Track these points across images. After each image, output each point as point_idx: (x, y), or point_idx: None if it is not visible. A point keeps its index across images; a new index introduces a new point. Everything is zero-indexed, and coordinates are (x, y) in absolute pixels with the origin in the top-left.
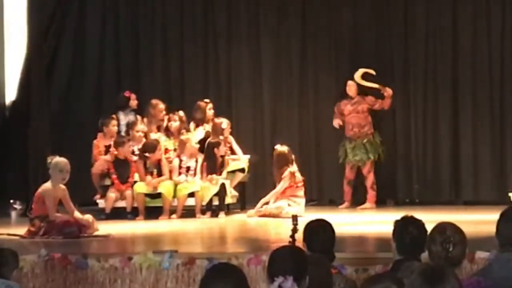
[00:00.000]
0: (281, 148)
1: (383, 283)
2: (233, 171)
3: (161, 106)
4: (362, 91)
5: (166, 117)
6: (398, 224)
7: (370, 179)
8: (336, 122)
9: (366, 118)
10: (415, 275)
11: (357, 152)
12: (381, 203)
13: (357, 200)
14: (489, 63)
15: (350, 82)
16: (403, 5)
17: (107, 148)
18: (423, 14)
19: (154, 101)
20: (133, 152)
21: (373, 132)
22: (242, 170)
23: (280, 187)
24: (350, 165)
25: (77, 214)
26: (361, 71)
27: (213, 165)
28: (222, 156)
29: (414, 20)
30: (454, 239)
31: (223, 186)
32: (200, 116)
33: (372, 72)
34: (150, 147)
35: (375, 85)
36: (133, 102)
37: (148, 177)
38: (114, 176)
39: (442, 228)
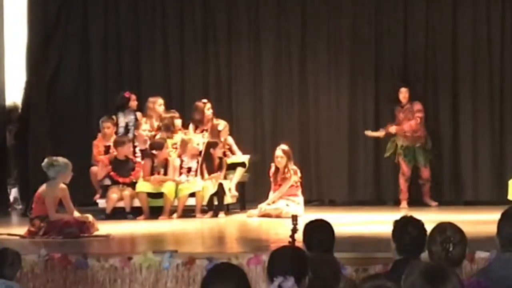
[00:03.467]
0: (285, 146)
1: (379, 280)
2: (234, 167)
3: (160, 101)
4: (414, 97)
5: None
6: (398, 224)
7: (428, 184)
8: (394, 129)
9: (417, 123)
10: (417, 275)
11: (407, 153)
12: (381, 203)
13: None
14: (489, 63)
15: (402, 89)
16: (403, 4)
17: (107, 149)
18: (423, 13)
19: (152, 98)
20: (135, 153)
21: (426, 136)
22: (243, 164)
23: (287, 186)
24: (406, 162)
25: (76, 214)
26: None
27: (210, 166)
28: (220, 158)
29: (414, 19)
30: (454, 239)
31: (221, 186)
32: (198, 116)
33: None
34: (157, 145)
35: (381, 134)
36: (133, 103)
37: (155, 176)
38: (113, 173)
39: (442, 228)
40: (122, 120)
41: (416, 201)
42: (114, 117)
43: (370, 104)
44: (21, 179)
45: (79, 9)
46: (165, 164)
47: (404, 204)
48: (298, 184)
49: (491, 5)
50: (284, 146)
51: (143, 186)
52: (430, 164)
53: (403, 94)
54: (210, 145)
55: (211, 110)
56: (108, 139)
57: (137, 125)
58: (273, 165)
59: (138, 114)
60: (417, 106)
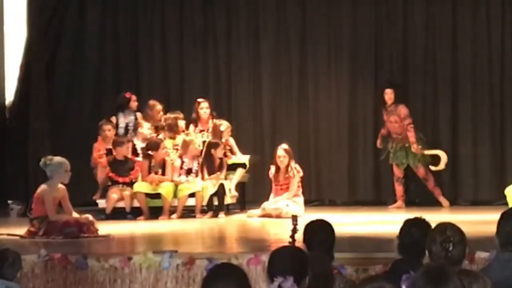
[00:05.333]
0: (286, 146)
1: (377, 282)
2: (234, 168)
3: (159, 107)
4: (400, 99)
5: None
6: (406, 222)
7: (430, 181)
8: (378, 143)
9: (401, 127)
10: (418, 275)
11: (398, 155)
12: (381, 203)
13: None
14: (489, 63)
15: (387, 90)
16: (403, 4)
17: (109, 152)
18: (423, 14)
19: (151, 102)
20: (135, 151)
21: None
22: (243, 165)
23: (295, 185)
24: (395, 164)
25: (75, 215)
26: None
27: (210, 166)
28: (221, 158)
29: (414, 19)
30: (454, 239)
31: (221, 186)
32: (193, 116)
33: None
34: (154, 145)
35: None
36: (133, 104)
37: (152, 175)
38: (112, 174)
39: (442, 228)
40: (123, 120)
41: (412, 202)
42: (114, 117)
43: (370, 104)
44: (20, 179)
45: (77, 9)
46: (163, 164)
47: (398, 203)
48: (299, 184)
49: (491, 5)
50: (285, 146)
51: (140, 186)
52: (423, 162)
53: (388, 95)
54: (211, 146)
55: (204, 110)
56: (108, 142)
57: (136, 124)
58: (272, 166)
59: (138, 114)
60: (403, 110)
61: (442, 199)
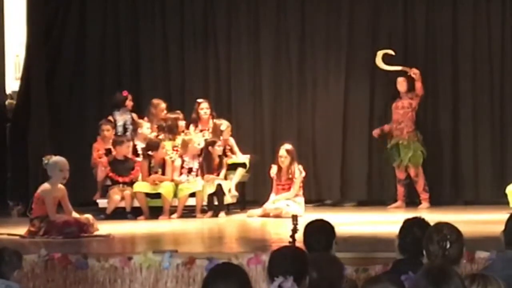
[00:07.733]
0: (289, 146)
1: (382, 283)
2: (235, 168)
3: (163, 105)
4: (412, 86)
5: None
6: (406, 222)
7: (419, 183)
8: (375, 132)
9: (405, 114)
10: (420, 276)
11: (392, 152)
12: (380, 203)
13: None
14: (489, 63)
15: (398, 79)
16: (403, 3)
17: (108, 151)
18: (422, 11)
19: (155, 101)
20: (135, 151)
21: (410, 132)
22: (243, 165)
23: (297, 186)
24: (396, 165)
25: (75, 215)
26: (380, 53)
27: (208, 164)
28: (220, 157)
29: (414, 19)
30: (451, 237)
31: (219, 186)
32: (194, 116)
33: (392, 52)
34: (153, 145)
35: (398, 68)
36: (129, 103)
37: (152, 175)
38: (112, 174)
39: (439, 227)
40: (119, 118)
41: (414, 203)
42: (110, 116)
43: (371, 104)
44: (20, 179)
45: (78, 8)
46: (163, 164)
47: (397, 203)
48: (301, 184)
49: (491, 5)
50: (287, 146)
51: (140, 186)
52: (414, 162)
53: (400, 83)
54: (208, 144)
55: (205, 110)
56: (107, 142)
57: (136, 124)
58: (273, 165)
59: (134, 115)
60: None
61: (425, 203)
